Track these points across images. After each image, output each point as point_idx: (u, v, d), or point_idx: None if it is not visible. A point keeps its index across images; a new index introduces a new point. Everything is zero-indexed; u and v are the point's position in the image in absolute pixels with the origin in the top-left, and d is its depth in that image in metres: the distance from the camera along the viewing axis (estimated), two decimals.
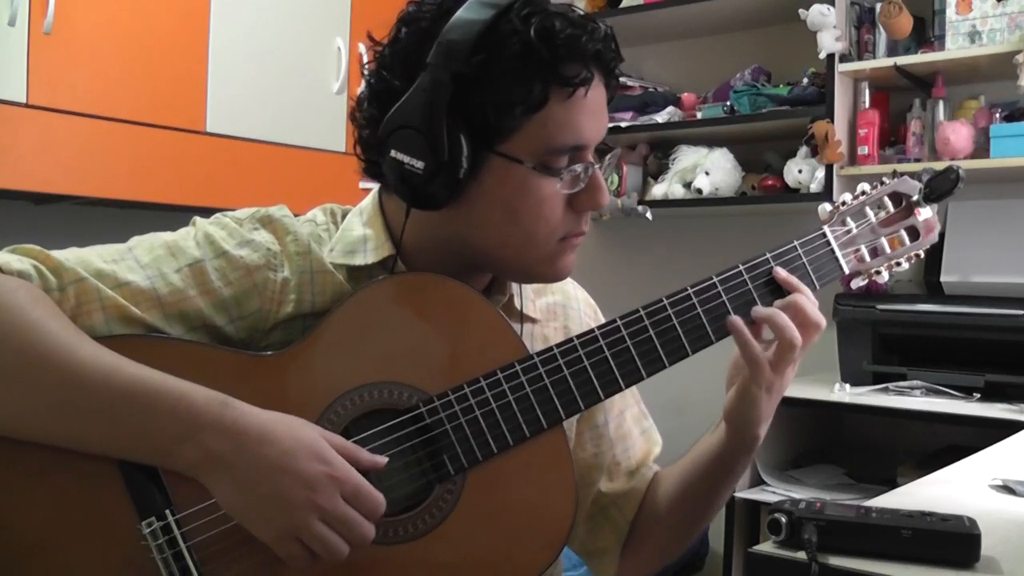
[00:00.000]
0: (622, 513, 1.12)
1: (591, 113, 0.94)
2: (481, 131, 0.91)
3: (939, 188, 1.03)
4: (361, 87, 0.99)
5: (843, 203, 1.04)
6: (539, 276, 1.01)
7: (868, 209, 1.04)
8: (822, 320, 0.96)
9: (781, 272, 0.98)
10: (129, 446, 0.86)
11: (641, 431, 1.16)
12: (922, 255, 1.06)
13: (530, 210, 0.94)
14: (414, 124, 0.90)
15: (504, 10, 0.90)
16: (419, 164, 0.90)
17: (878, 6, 2.57)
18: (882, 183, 1.06)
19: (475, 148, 0.91)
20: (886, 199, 1.05)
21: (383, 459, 0.89)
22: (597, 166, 0.96)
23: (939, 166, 1.05)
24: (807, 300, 0.96)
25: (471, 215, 0.95)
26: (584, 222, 0.98)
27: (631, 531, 1.11)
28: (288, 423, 0.87)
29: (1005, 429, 1.65)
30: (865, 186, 1.05)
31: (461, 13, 0.90)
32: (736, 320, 0.95)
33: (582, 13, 0.95)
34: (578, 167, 0.94)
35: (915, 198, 1.05)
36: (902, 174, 1.06)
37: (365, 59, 1.00)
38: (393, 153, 0.91)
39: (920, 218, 1.05)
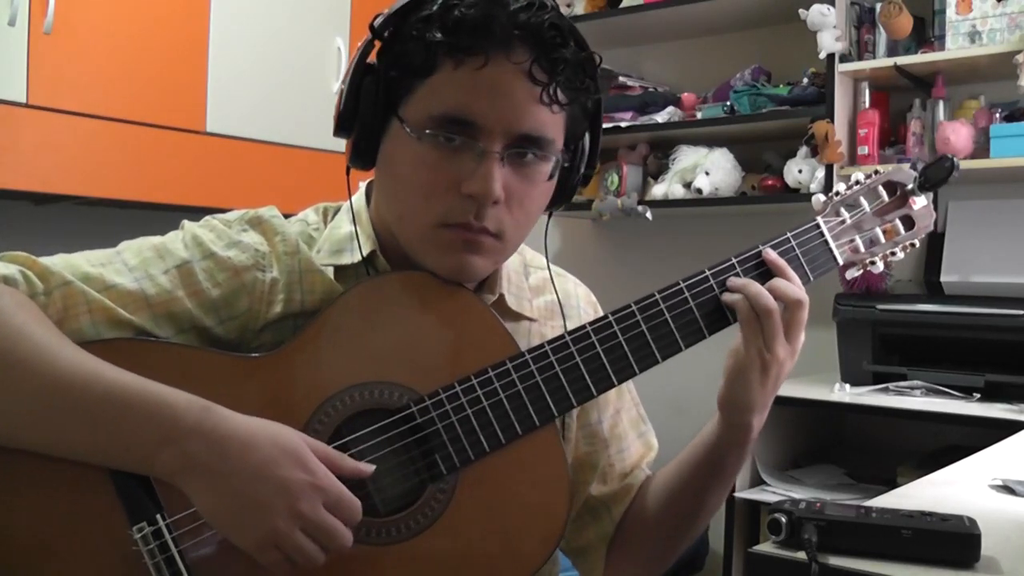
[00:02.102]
0: (610, 513, 1.11)
1: (485, 90, 0.89)
2: (391, 93, 0.94)
3: (934, 177, 1.02)
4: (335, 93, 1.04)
5: (837, 193, 1.04)
6: (431, 265, 0.95)
7: (862, 198, 1.04)
8: (803, 295, 0.96)
9: (771, 253, 0.98)
10: (109, 452, 0.85)
11: (638, 435, 1.15)
12: (917, 244, 1.05)
13: (404, 174, 0.94)
14: (343, 80, 0.96)
15: None
16: (335, 115, 0.96)
17: (878, 6, 2.57)
18: (876, 173, 1.05)
19: (386, 109, 0.94)
20: (880, 188, 1.04)
21: (369, 468, 0.88)
22: (499, 155, 0.90)
23: None
24: (786, 280, 0.96)
25: (379, 182, 0.98)
26: (473, 214, 0.91)
27: (621, 533, 1.10)
28: (270, 430, 0.86)
29: (1005, 429, 1.65)
30: (859, 176, 1.05)
31: None
32: (734, 279, 0.96)
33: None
34: (449, 138, 0.90)
35: (910, 187, 1.04)
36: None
37: None
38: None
39: (915, 207, 1.04)
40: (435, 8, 0.90)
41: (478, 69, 0.89)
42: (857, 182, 1.04)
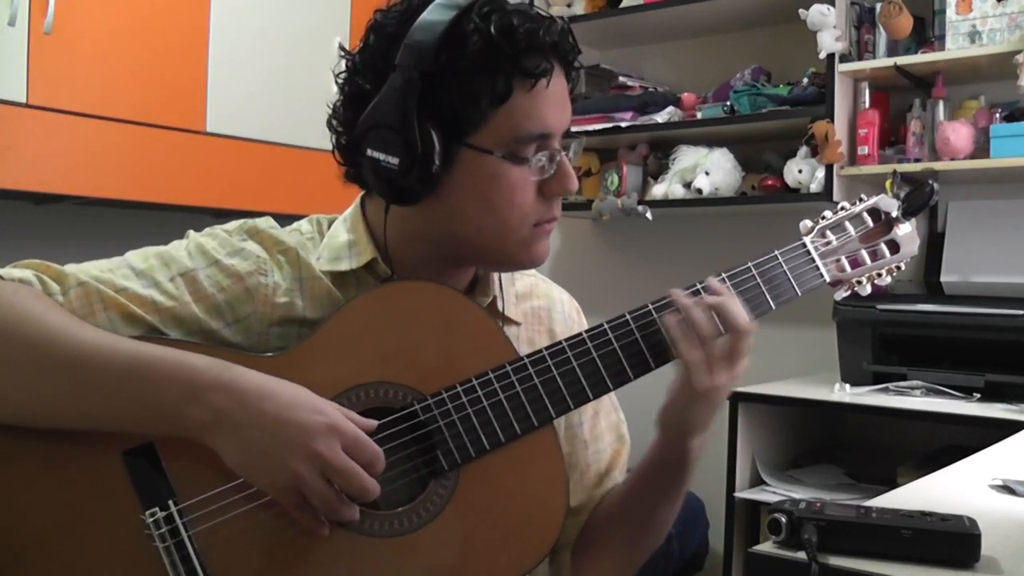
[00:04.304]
0: (576, 517, 1.12)
1: (554, 102, 0.98)
2: (451, 125, 0.95)
3: (916, 203, 1.07)
4: (335, 95, 1.05)
5: (823, 217, 1.07)
6: (516, 262, 1.04)
7: (848, 223, 1.07)
8: (746, 324, 0.95)
9: (716, 285, 0.98)
10: (137, 416, 0.88)
11: (617, 436, 1.18)
12: (903, 267, 1.09)
13: (503, 198, 0.97)
14: (387, 122, 0.94)
15: (465, 10, 0.94)
16: (394, 160, 0.94)
17: (878, 6, 2.57)
18: (860, 200, 1.09)
19: (446, 142, 0.95)
20: (865, 215, 1.08)
21: (373, 423, 0.91)
22: (564, 153, 1.00)
23: (939, 166, 1.07)
24: (731, 302, 0.96)
25: (448, 207, 0.98)
26: (555, 207, 1.02)
27: (583, 540, 1.12)
28: (285, 383, 0.90)
29: (1005, 429, 1.65)
30: (845, 203, 1.09)
31: (425, 15, 0.94)
32: (666, 318, 0.97)
33: (543, 10, 1.01)
34: (545, 154, 0.98)
35: (894, 214, 1.08)
36: (898, 175, 1.08)
37: (339, 68, 1.06)
38: (369, 152, 0.95)
39: (900, 232, 1.08)
40: (495, 39, 0.93)
41: (547, 86, 0.97)
42: (842, 207, 1.08)
